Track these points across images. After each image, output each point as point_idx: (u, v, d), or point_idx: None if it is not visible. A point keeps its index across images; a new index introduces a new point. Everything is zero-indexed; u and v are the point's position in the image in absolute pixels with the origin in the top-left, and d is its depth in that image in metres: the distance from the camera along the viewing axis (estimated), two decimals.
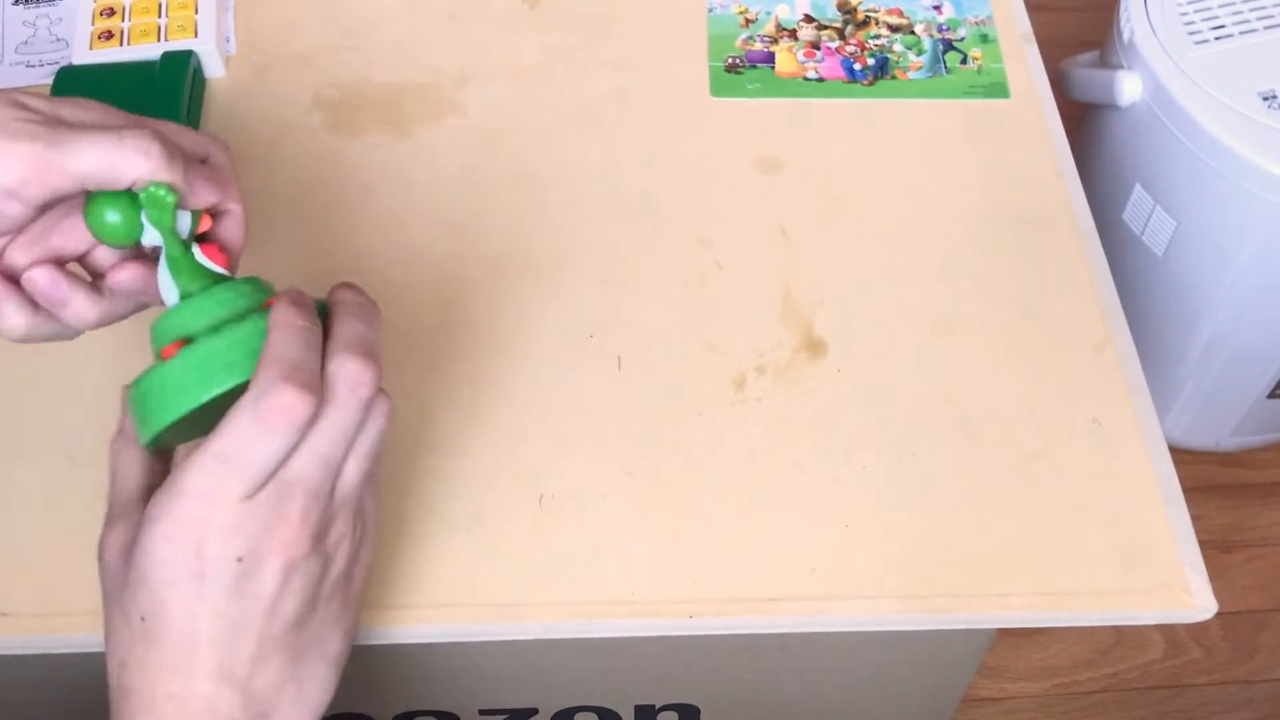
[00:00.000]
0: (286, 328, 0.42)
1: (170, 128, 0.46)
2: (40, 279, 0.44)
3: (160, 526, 0.41)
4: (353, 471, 0.43)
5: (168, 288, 0.44)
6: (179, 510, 0.41)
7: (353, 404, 0.42)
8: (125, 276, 0.45)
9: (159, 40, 0.68)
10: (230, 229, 0.46)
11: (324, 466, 0.42)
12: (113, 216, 0.43)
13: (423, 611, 0.51)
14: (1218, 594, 0.51)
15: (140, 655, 0.42)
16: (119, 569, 0.43)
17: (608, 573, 0.52)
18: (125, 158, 0.42)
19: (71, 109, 0.44)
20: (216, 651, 0.42)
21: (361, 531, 0.45)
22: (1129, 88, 1.03)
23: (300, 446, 0.41)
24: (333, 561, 0.44)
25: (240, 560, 0.41)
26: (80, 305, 0.45)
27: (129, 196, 0.43)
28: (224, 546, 0.41)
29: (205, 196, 0.44)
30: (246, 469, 0.40)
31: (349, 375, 0.41)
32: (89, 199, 0.43)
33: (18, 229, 0.44)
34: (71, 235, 0.45)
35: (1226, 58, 0.99)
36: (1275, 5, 1.02)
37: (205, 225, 0.45)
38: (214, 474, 0.40)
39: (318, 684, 0.44)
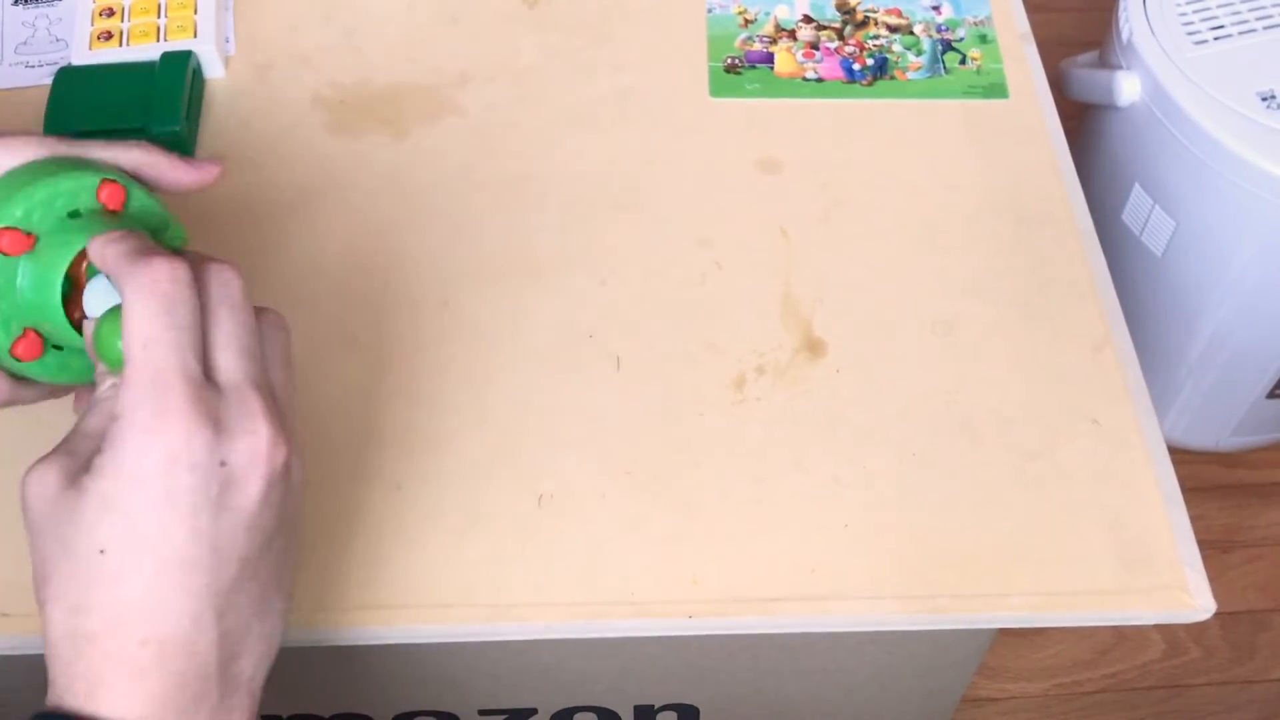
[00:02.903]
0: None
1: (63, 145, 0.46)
2: None
3: (136, 438, 0.38)
4: (282, 376, 0.42)
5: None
6: (151, 416, 0.38)
7: (236, 296, 0.41)
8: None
9: (158, 40, 0.68)
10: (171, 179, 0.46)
11: (253, 360, 0.40)
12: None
13: (423, 611, 0.51)
14: (1217, 594, 0.51)
15: (101, 595, 0.38)
16: (59, 500, 0.39)
17: (608, 573, 0.52)
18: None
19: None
20: (198, 580, 0.38)
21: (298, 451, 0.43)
22: (1128, 88, 1.03)
23: (217, 341, 0.40)
24: (291, 471, 0.41)
25: (224, 465, 0.38)
26: None
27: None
28: (208, 453, 0.38)
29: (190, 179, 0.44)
30: (181, 351, 0.38)
31: (216, 273, 0.41)
32: (105, 327, 0.41)
33: None
34: None
35: (1225, 58, 0.99)
36: (1274, 5, 1.02)
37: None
38: (158, 362, 0.38)
39: (275, 620, 0.42)
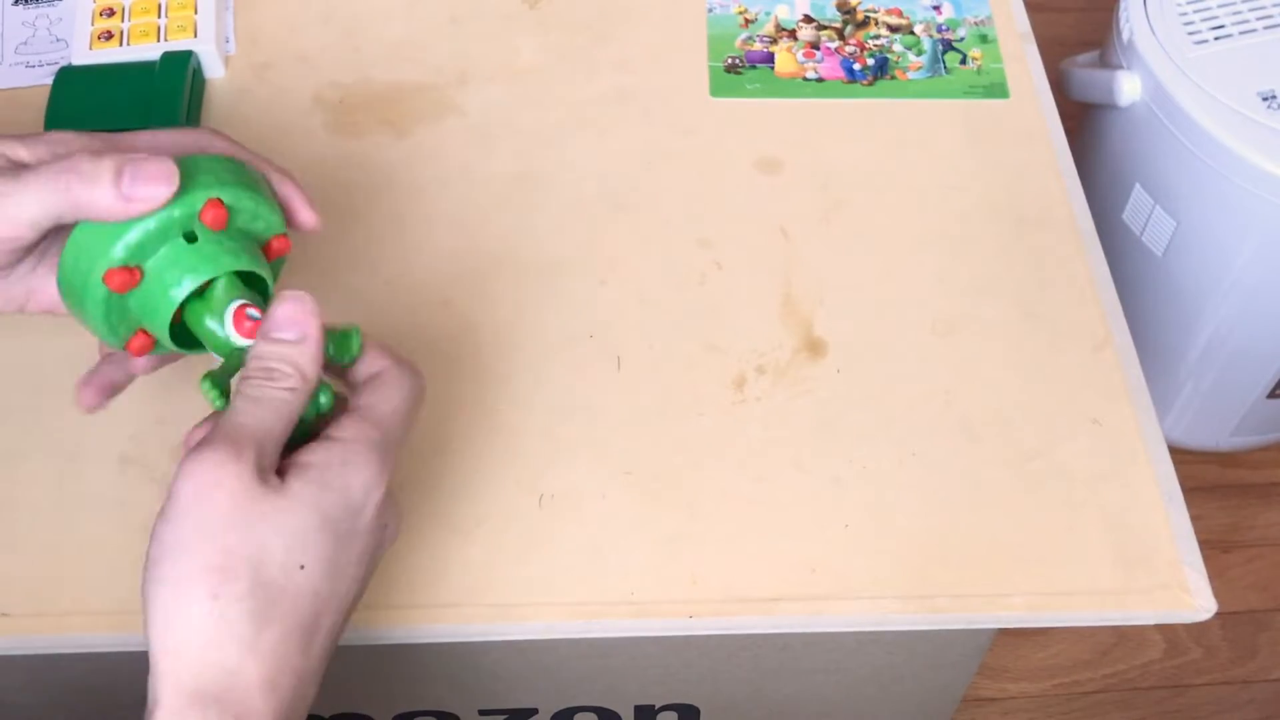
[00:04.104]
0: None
1: (145, 136, 0.46)
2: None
3: (363, 473, 0.41)
4: (402, 429, 0.44)
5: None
6: (379, 464, 0.41)
7: (419, 398, 0.45)
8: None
9: (159, 40, 0.68)
10: (295, 212, 0.48)
11: (403, 422, 0.44)
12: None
13: (423, 611, 0.51)
14: (1217, 594, 0.51)
15: (284, 612, 0.38)
16: (257, 494, 0.38)
17: (608, 573, 0.52)
18: (55, 199, 0.42)
19: (34, 148, 0.44)
20: (337, 627, 0.41)
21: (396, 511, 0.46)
22: (1128, 88, 1.03)
23: (392, 425, 0.43)
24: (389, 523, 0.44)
25: (385, 527, 0.43)
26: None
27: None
28: (382, 515, 0.42)
29: (150, 194, 0.42)
30: (406, 433, 0.44)
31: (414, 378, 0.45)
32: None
33: None
34: (38, 291, 0.46)
35: (1226, 58, 0.99)
36: (1275, 5, 1.02)
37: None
38: (397, 432, 0.43)
39: (326, 660, 0.43)
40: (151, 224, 0.42)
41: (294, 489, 0.39)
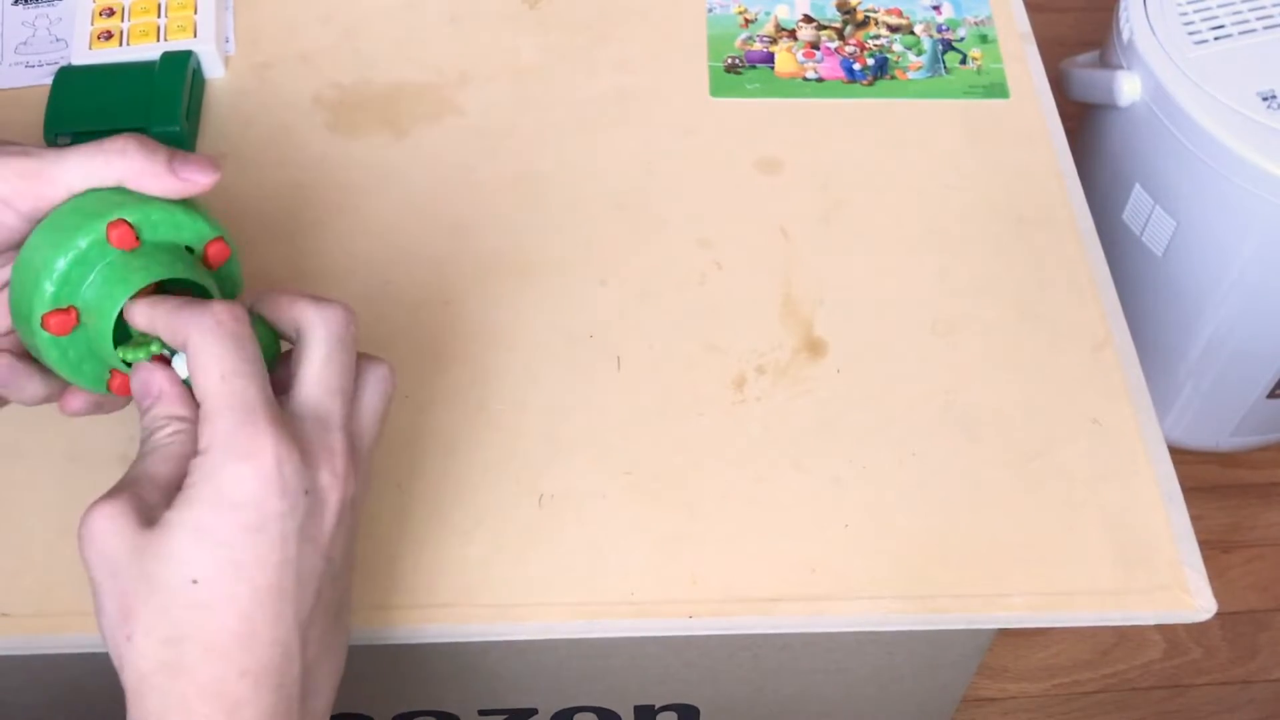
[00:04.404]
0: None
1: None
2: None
3: (229, 464, 0.39)
4: (369, 426, 0.43)
5: None
6: (243, 441, 0.39)
7: (339, 336, 0.42)
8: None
9: (158, 40, 0.68)
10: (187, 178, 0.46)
11: (340, 398, 0.42)
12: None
13: (423, 611, 0.51)
14: (1217, 594, 0.51)
15: (197, 625, 0.38)
16: (138, 539, 0.39)
17: (608, 573, 0.52)
18: (106, 160, 0.43)
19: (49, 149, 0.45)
20: (287, 609, 0.39)
21: (365, 485, 0.44)
22: (1129, 88, 1.03)
23: (308, 376, 0.42)
24: (356, 505, 0.43)
25: (307, 494, 0.40)
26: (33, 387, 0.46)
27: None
28: (297, 479, 0.39)
29: (198, 178, 0.44)
30: (259, 380, 0.40)
31: (327, 310, 0.43)
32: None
33: (10, 245, 0.44)
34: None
35: (1226, 58, 0.99)
36: (1275, 5, 1.02)
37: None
38: (241, 392, 0.39)
39: (339, 656, 0.43)
40: (62, 263, 0.42)
41: (167, 517, 0.39)
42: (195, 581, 0.38)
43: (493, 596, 0.51)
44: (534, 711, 0.66)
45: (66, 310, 0.43)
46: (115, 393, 0.46)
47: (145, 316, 0.43)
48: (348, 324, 0.43)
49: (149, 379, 0.43)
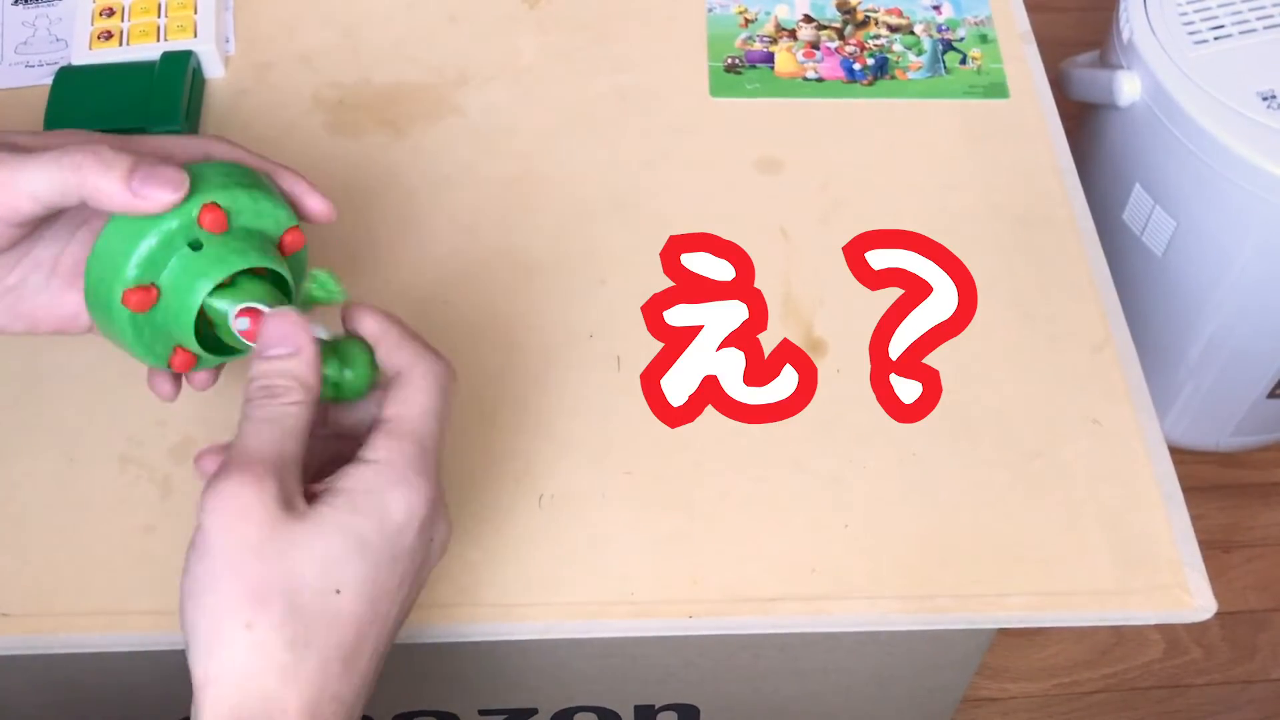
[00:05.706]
0: None
1: (152, 141, 0.46)
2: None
3: (399, 488, 0.40)
4: (437, 430, 0.44)
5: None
6: (416, 474, 0.40)
7: (446, 385, 0.44)
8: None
9: (158, 40, 0.68)
10: (304, 203, 0.48)
11: (439, 421, 0.43)
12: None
13: (423, 611, 0.51)
14: (1217, 594, 0.51)
15: (323, 637, 0.38)
16: (282, 524, 0.38)
17: (608, 573, 0.52)
18: (63, 176, 0.42)
19: (35, 137, 0.45)
20: (381, 645, 0.40)
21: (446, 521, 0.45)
22: (1128, 88, 1.03)
23: (425, 429, 0.42)
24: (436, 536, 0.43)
25: (431, 540, 0.41)
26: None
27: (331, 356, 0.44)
28: (432, 525, 0.41)
29: (158, 195, 0.42)
30: (444, 432, 0.43)
31: (439, 367, 0.44)
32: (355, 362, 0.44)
33: None
34: (50, 308, 0.46)
35: (1226, 58, 0.99)
36: (1275, 5, 1.02)
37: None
38: (432, 435, 0.42)
39: (372, 682, 0.42)
40: (154, 240, 0.43)
41: (323, 514, 0.39)
42: (338, 591, 0.38)
43: (493, 596, 0.51)
44: (534, 711, 0.66)
45: (148, 288, 0.43)
46: (176, 369, 0.46)
47: (376, 328, 0.44)
48: (452, 379, 0.44)
49: (292, 332, 0.42)
